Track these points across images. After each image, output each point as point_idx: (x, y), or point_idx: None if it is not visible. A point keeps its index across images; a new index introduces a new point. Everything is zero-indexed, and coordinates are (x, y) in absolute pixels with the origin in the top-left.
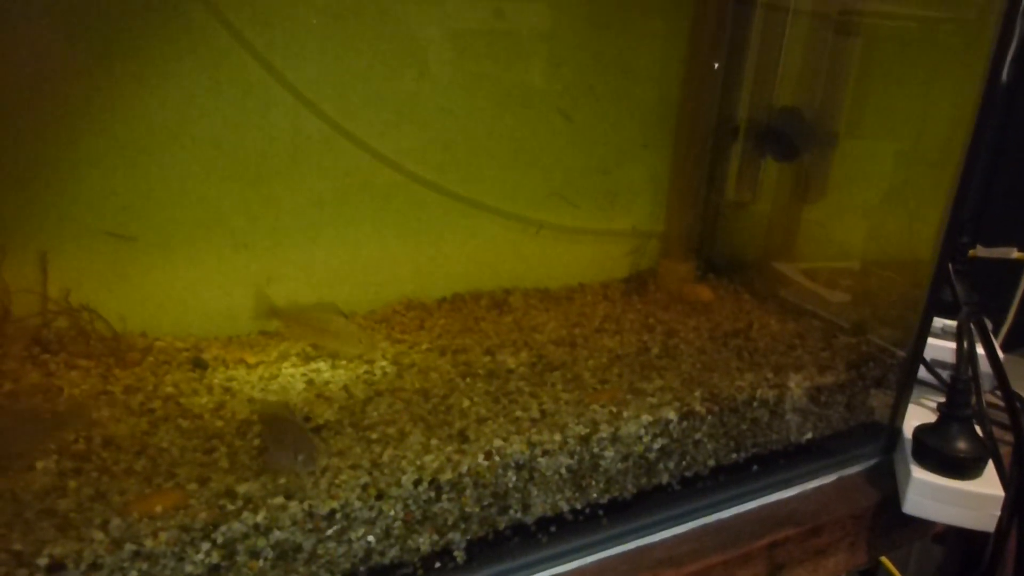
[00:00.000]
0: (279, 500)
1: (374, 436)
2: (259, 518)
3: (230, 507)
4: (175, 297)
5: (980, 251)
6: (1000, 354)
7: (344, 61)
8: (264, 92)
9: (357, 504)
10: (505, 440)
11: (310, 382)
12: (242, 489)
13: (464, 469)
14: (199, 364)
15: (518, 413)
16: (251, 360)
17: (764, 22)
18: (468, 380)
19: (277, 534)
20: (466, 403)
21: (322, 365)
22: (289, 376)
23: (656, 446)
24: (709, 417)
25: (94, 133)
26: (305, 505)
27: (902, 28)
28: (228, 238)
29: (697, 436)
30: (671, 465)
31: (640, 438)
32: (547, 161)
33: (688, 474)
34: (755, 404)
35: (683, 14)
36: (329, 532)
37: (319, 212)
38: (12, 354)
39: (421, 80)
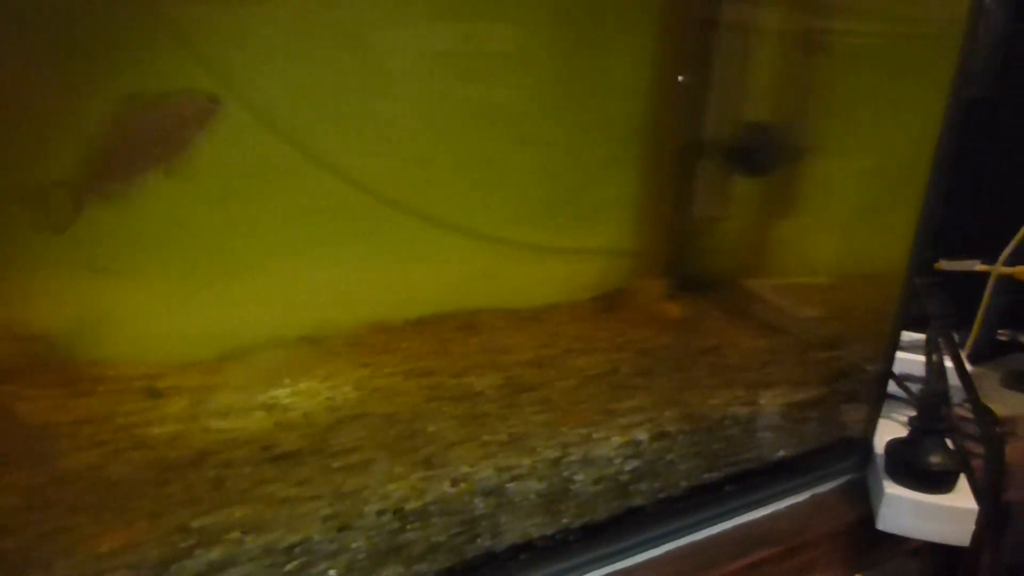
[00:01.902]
0: (235, 535)
1: (336, 465)
2: (214, 555)
3: (183, 544)
4: (130, 323)
5: (944, 264)
6: (968, 367)
7: (308, 81)
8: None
9: (318, 537)
10: (473, 466)
11: (270, 409)
12: (196, 524)
13: (430, 497)
14: (154, 393)
15: (486, 437)
16: (208, 386)
17: (730, 39)
18: (435, 404)
19: (234, 572)
20: (432, 428)
21: (282, 391)
22: (249, 403)
23: (628, 468)
24: (682, 437)
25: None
26: (263, 540)
27: (868, 44)
28: (186, 262)
29: (670, 456)
30: (644, 487)
31: (612, 460)
32: (515, 180)
33: (662, 496)
34: (728, 422)
35: (649, 32)
36: (289, 567)
37: (282, 235)
38: None
39: (387, 101)
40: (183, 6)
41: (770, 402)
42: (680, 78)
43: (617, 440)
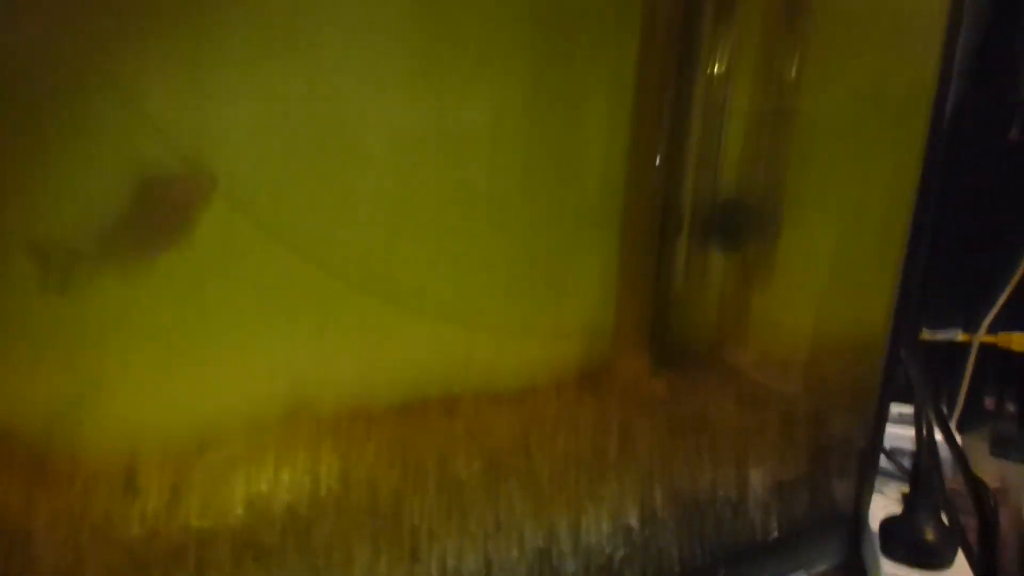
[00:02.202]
0: None
1: (320, 561)
2: None
3: None
4: (106, 412)
5: (927, 334)
6: (958, 437)
7: (279, 165)
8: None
9: None
10: (459, 558)
11: (250, 502)
12: None
13: None
14: (131, 488)
15: (472, 527)
16: (186, 478)
17: (703, 113)
18: (418, 493)
19: None
20: (417, 518)
21: (261, 485)
22: (227, 496)
23: (619, 555)
24: (672, 520)
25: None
26: None
27: (834, 116)
28: (158, 350)
29: (661, 542)
30: (635, 574)
31: (602, 547)
32: (491, 260)
33: None
34: (718, 503)
35: (623, 108)
36: None
37: (253, 322)
38: None
39: (359, 181)
40: (141, 77)
41: (760, 480)
42: (657, 161)
43: (607, 526)
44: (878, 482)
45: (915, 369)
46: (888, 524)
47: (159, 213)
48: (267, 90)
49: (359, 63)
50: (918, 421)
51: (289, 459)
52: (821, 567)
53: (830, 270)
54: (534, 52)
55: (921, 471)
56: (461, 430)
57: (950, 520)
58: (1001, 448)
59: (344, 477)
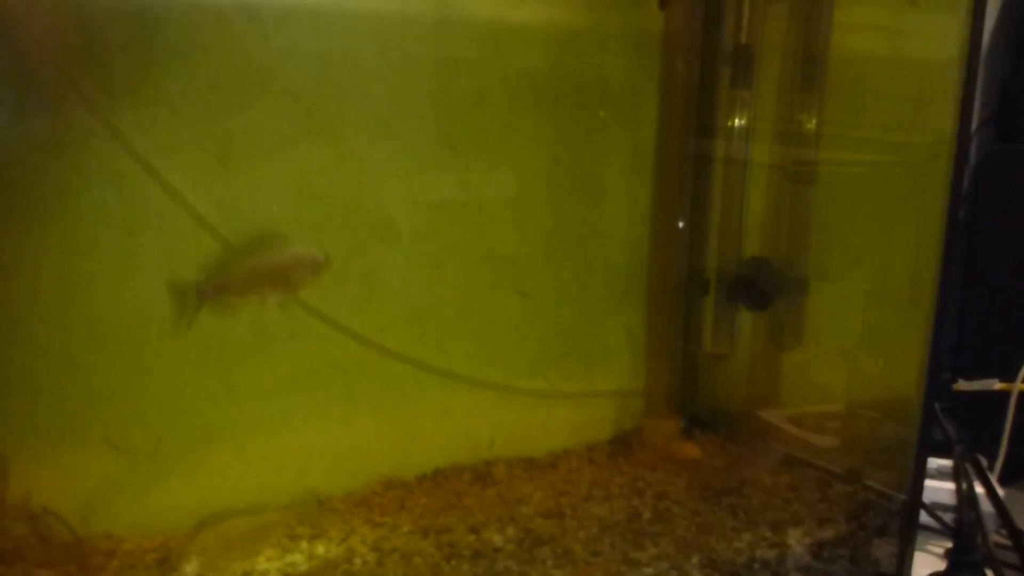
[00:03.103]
0: None
1: None
2: None
3: None
4: (140, 494)
5: (962, 385)
6: (999, 490)
7: (310, 241)
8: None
9: None
10: None
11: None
12: None
13: None
14: (166, 566)
15: None
16: (222, 554)
17: (724, 175)
18: (453, 563)
19: None
20: None
21: (299, 557)
22: (263, 572)
23: None
24: None
25: (43, 331)
26: None
27: (854, 173)
28: (192, 430)
29: None
30: None
31: None
32: (520, 327)
33: None
34: (756, 566)
35: (644, 173)
36: None
37: (287, 395)
38: None
39: (388, 254)
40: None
41: (797, 541)
42: (680, 224)
43: None
44: (920, 538)
45: (951, 422)
46: None
47: (278, 274)
48: (299, 169)
49: (388, 143)
50: (957, 474)
51: (324, 530)
52: None
53: (860, 326)
54: (555, 126)
55: (963, 526)
56: (494, 496)
57: (995, 575)
58: None
59: (378, 547)
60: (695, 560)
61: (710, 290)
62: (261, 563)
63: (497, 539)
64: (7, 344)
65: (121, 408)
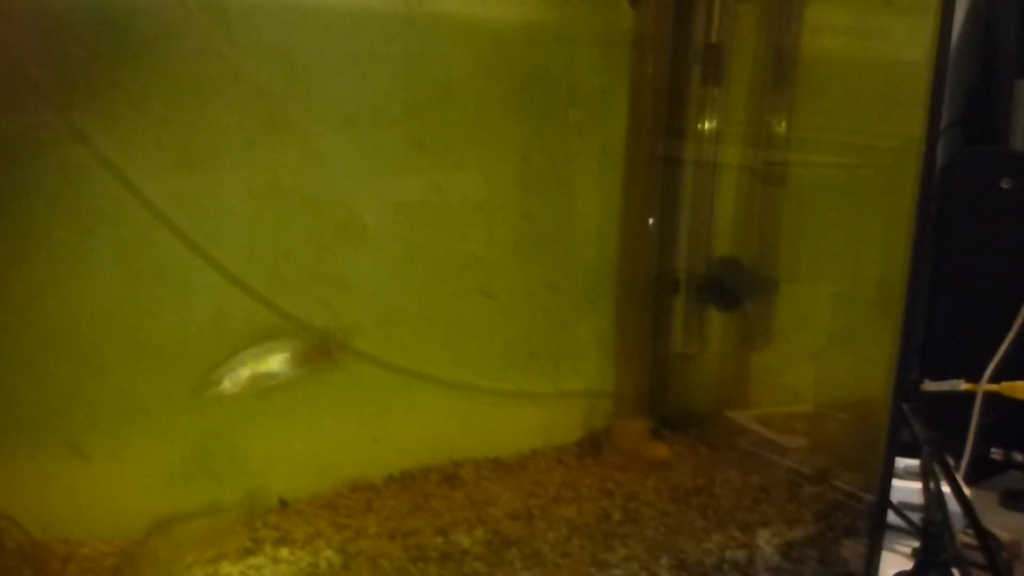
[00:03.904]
0: None
1: None
2: None
3: None
4: (98, 499)
5: (929, 385)
6: (966, 490)
7: (276, 240)
8: (185, 274)
9: None
10: None
11: None
12: None
13: None
14: (122, 573)
15: None
16: (182, 559)
17: (694, 176)
18: (420, 565)
19: None
20: None
21: (262, 559)
22: (226, 573)
23: None
24: None
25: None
26: None
27: (824, 174)
28: (151, 432)
29: None
30: None
31: None
32: (488, 328)
33: None
34: (725, 567)
35: (614, 172)
36: None
37: (248, 397)
38: None
39: (355, 255)
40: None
41: (766, 542)
42: (651, 221)
43: None
44: (888, 538)
45: (918, 422)
46: None
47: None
48: (263, 167)
49: (355, 141)
50: (925, 474)
51: (288, 533)
52: None
53: (829, 327)
54: (525, 125)
55: (931, 525)
56: (462, 498)
57: (962, 575)
58: (1011, 500)
59: (344, 550)
60: (664, 561)
61: (680, 290)
62: (224, 567)
63: (465, 541)
64: None
65: (80, 411)
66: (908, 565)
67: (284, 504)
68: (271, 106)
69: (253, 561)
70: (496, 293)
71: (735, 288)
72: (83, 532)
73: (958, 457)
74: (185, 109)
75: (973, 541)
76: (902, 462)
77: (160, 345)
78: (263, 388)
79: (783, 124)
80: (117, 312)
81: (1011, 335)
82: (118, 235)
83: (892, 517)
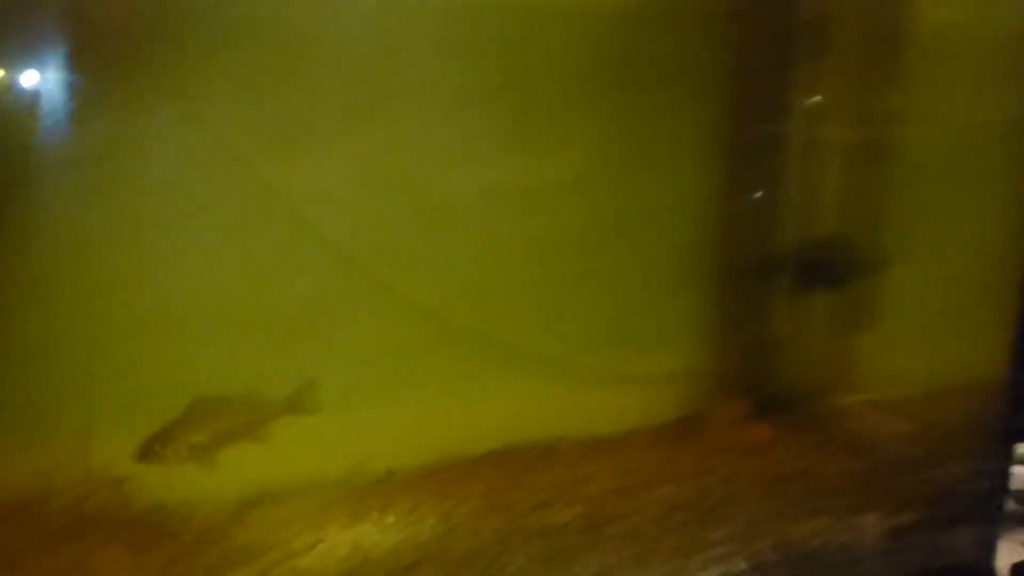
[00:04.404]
0: None
1: None
2: None
3: None
4: (216, 466)
5: None
6: None
7: (379, 218)
8: (298, 250)
9: None
10: None
11: (356, 546)
12: None
13: None
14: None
15: (575, 571)
16: (294, 522)
17: (797, 153)
18: (519, 537)
19: None
20: (519, 562)
21: (368, 527)
22: (334, 540)
23: None
24: (783, 566)
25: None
26: None
27: (934, 151)
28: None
29: None
30: None
31: None
32: (588, 306)
33: None
34: (831, 550)
35: (714, 150)
36: None
37: (357, 371)
38: (53, 532)
39: (457, 233)
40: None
41: (874, 526)
42: (755, 196)
43: (714, 571)
44: (1005, 527)
45: None
46: (1019, 570)
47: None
48: (363, 147)
49: (452, 122)
50: None
51: (392, 502)
52: None
53: (941, 307)
54: (623, 103)
55: None
56: (560, 475)
57: None
58: None
59: (446, 520)
60: (766, 542)
61: (782, 270)
62: (332, 533)
63: (563, 516)
64: (96, 317)
65: (194, 383)
66: None
67: (389, 475)
68: (371, 89)
69: (360, 528)
70: (591, 274)
71: (840, 268)
72: (201, 497)
73: None
74: (292, 92)
75: None
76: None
77: (268, 320)
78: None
79: (891, 98)
80: (228, 288)
81: None
82: (230, 213)
83: (1011, 505)
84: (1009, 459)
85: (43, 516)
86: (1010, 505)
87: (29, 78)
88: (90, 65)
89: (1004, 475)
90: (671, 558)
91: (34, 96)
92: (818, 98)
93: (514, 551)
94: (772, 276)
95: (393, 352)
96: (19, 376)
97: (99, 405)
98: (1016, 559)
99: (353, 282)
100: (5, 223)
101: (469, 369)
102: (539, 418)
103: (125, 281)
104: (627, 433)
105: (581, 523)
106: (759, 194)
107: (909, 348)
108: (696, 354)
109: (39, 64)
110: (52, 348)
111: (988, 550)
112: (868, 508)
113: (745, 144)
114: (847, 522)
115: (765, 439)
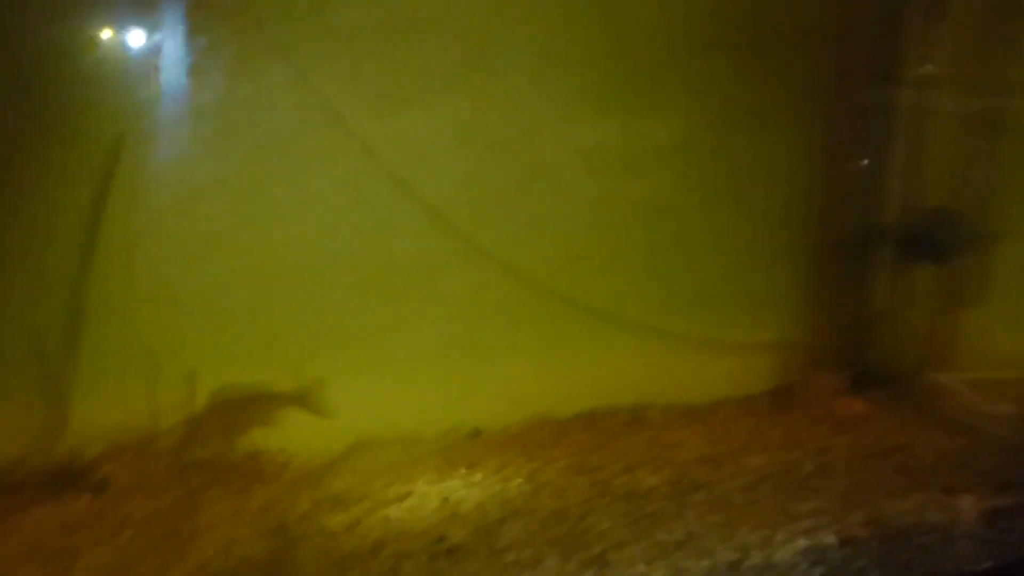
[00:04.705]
0: None
1: (509, 559)
2: None
3: None
4: (312, 416)
5: None
6: None
7: (477, 179)
8: (392, 210)
9: None
10: (648, 565)
11: (444, 500)
12: None
13: None
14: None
15: (661, 536)
16: (386, 474)
17: (906, 121)
18: (606, 500)
19: None
20: (603, 525)
21: (456, 482)
22: (423, 493)
23: (816, 574)
24: (873, 543)
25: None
26: None
27: None
28: (360, 357)
29: (860, 564)
30: None
31: (796, 565)
32: (681, 272)
33: None
34: (924, 528)
35: (818, 118)
36: None
37: (451, 329)
38: (159, 471)
39: (552, 195)
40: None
41: (972, 506)
42: (861, 164)
43: (802, 543)
44: None
45: None
46: None
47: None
48: (465, 105)
49: (553, 82)
50: None
51: (480, 460)
52: None
53: None
54: (726, 68)
55: None
56: (648, 439)
57: None
58: None
59: (533, 479)
60: (857, 517)
61: (885, 241)
62: (421, 486)
63: (651, 480)
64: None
65: (299, 337)
66: None
67: (478, 433)
68: (472, 50)
69: (448, 483)
70: (688, 238)
71: (948, 241)
72: (298, 445)
73: None
74: (394, 51)
75: None
76: None
77: (368, 277)
78: None
79: (1008, 66)
80: (331, 245)
81: None
82: (334, 172)
83: None
84: None
85: (152, 456)
86: None
87: (142, 35)
88: (202, 22)
89: None
90: (757, 528)
91: (151, 51)
92: (933, 63)
93: (599, 513)
94: (874, 248)
95: (487, 312)
96: (131, 323)
97: (205, 353)
98: None
99: (451, 242)
100: (122, 176)
101: (561, 331)
102: (629, 383)
103: (234, 233)
104: (717, 402)
105: (667, 489)
106: (865, 162)
107: (1014, 328)
108: (791, 325)
109: (154, 20)
110: (164, 297)
111: None
112: (965, 489)
113: (851, 111)
114: (942, 502)
115: (859, 414)
